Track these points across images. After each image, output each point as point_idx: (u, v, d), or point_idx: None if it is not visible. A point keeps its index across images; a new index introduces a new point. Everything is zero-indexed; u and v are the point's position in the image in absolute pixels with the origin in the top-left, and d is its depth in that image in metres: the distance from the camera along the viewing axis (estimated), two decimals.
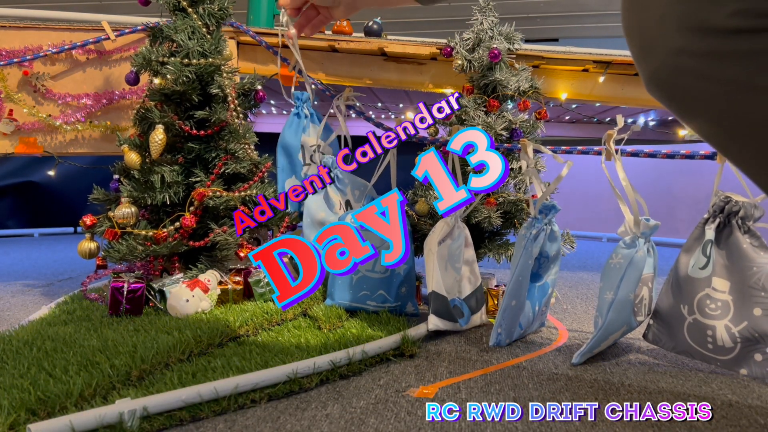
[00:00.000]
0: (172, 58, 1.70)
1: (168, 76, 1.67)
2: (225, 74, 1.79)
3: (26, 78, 2.03)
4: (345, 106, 1.90)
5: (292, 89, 1.98)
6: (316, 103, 2.01)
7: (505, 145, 1.80)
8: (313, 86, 1.95)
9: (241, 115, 1.85)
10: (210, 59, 1.74)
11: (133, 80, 1.87)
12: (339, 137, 1.95)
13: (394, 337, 1.39)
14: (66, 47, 2.01)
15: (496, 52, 1.86)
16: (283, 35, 2.07)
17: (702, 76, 0.48)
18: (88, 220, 1.66)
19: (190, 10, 1.77)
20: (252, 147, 1.86)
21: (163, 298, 1.56)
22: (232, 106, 1.80)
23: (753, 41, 0.44)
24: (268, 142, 2.14)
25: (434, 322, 1.52)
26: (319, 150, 1.92)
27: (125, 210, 1.63)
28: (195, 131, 1.74)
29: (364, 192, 1.90)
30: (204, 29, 1.77)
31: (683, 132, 4.05)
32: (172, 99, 1.75)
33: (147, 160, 1.73)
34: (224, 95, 1.78)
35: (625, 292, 1.31)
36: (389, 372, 1.26)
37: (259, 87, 1.93)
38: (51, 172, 2.51)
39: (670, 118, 3.92)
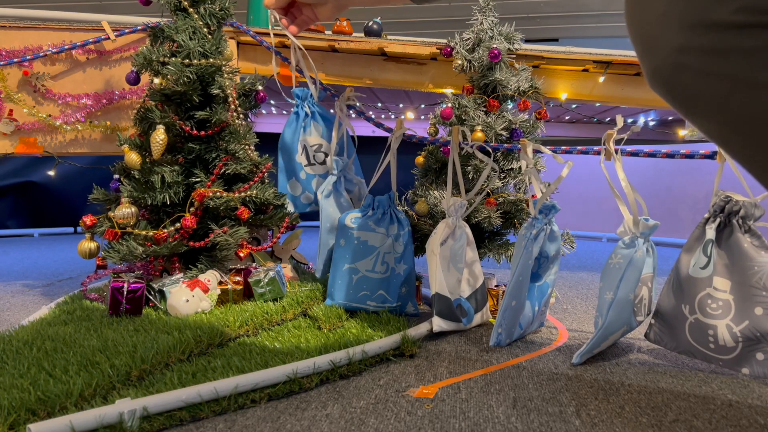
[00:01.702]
0: (173, 59, 1.70)
1: (169, 77, 1.67)
2: (226, 75, 1.79)
3: (26, 78, 2.03)
4: (346, 106, 1.90)
5: (294, 88, 1.95)
6: (320, 100, 1.97)
7: (505, 145, 1.80)
8: (316, 84, 1.92)
9: (241, 116, 1.85)
10: (211, 59, 1.74)
11: (134, 80, 1.87)
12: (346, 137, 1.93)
13: (394, 337, 1.39)
14: (66, 47, 2.01)
15: (496, 52, 1.86)
16: (281, 34, 2.06)
17: (704, 73, 0.48)
18: (88, 220, 1.66)
19: (191, 10, 1.77)
20: (252, 147, 1.86)
21: (163, 298, 1.56)
22: (232, 106, 1.80)
23: (757, 37, 0.44)
24: (268, 142, 2.14)
25: (438, 324, 1.52)
26: (321, 149, 1.90)
27: (125, 210, 1.63)
28: (195, 132, 1.74)
29: (362, 189, 1.91)
30: (205, 29, 1.77)
31: (683, 132, 4.05)
32: (173, 99, 1.75)
33: (147, 160, 1.73)
34: (225, 96, 1.78)
35: (624, 292, 1.31)
36: (389, 372, 1.26)
37: (260, 87, 1.93)
38: (51, 172, 2.51)
39: (670, 118, 3.92)
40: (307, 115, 1.93)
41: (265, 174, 1.86)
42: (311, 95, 1.94)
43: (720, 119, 0.50)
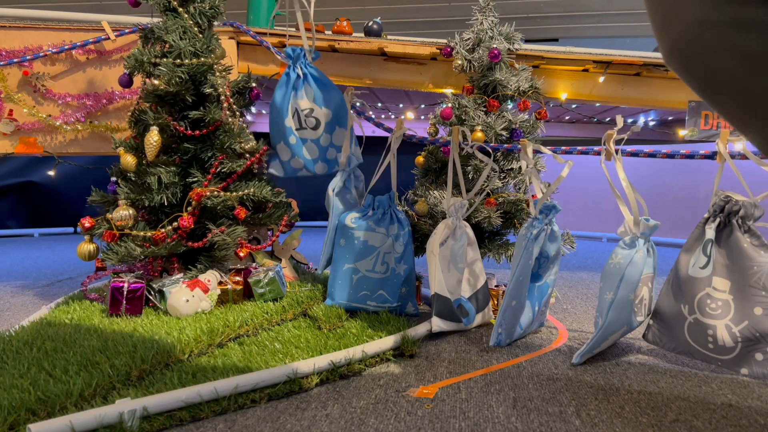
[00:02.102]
0: (164, 59, 1.69)
1: (161, 77, 1.67)
2: (218, 73, 1.78)
3: (26, 78, 2.03)
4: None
5: (286, 47, 1.82)
6: (314, 59, 1.83)
7: (505, 145, 1.80)
8: (313, 40, 1.79)
9: (237, 113, 1.84)
10: (202, 59, 1.73)
11: (127, 82, 1.86)
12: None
13: (394, 337, 1.39)
14: (66, 47, 2.01)
15: (496, 52, 1.86)
16: (281, 34, 2.06)
17: (725, 48, 0.45)
18: (86, 222, 1.66)
19: (180, 9, 1.76)
20: (248, 145, 1.85)
21: (163, 298, 1.56)
22: (226, 105, 1.79)
23: None
24: (268, 142, 2.13)
25: (438, 324, 1.52)
26: (312, 114, 1.81)
27: (123, 212, 1.63)
28: (190, 131, 1.73)
29: (363, 186, 1.91)
30: (196, 29, 1.76)
31: (683, 132, 4.04)
32: (166, 100, 1.74)
33: (143, 162, 1.73)
34: (218, 94, 1.77)
35: (625, 292, 1.31)
36: (389, 372, 1.26)
37: (254, 84, 1.92)
38: (51, 172, 2.51)
39: (670, 118, 3.92)
40: (298, 76, 1.80)
41: (263, 156, 1.83)
42: (304, 55, 1.81)
43: (738, 98, 0.48)
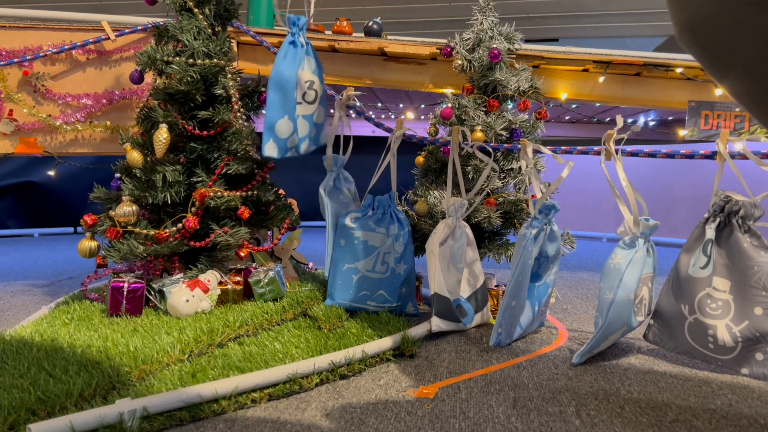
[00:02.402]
0: (177, 58, 1.70)
1: (172, 76, 1.67)
2: (229, 75, 1.79)
3: (26, 78, 2.03)
4: (346, 106, 1.89)
5: (288, 15, 1.71)
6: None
7: (505, 145, 1.80)
8: (311, 9, 1.71)
9: (244, 116, 1.84)
10: (215, 60, 1.74)
11: (138, 79, 1.87)
12: (338, 137, 1.91)
13: (394, 337, 1.39)
14: (66, 47, 2.01)
15: (496, 52, 1.86)
16: (281, 34, 2.05)
17: (743, 26, 0.45)
18: (88, 219, 1.66)
19: (196, 10, 1.77)
20: (255, 148, 1.85)
21: (163, 298, 1.56)
22: (236, 107, 1.79)
23: None
24: None
25: (437, 324, 1.52)
26: (313, 86, 1.71)
27: (126, 209, 1.63)
28: (198, 131, 1.74)
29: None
30: (210, 30, 1.78)
31: (683, 132, 4.04)
32: (176, 98, 1.74)
33: (149, 159, 1.73)
34: (228, 96, 1.77)
35: (625, 292, 1.31)
36: (389, 372, 1.26)
37: (263, 89, 1.92)
38: (51, 172, 2.51)
39: (670, 118, 3.92)
40: (302, 46, 1.69)
41: (267, 174, 1.86)
42: (306, 25, 1.72)
43: (752, 77, 0.47)
